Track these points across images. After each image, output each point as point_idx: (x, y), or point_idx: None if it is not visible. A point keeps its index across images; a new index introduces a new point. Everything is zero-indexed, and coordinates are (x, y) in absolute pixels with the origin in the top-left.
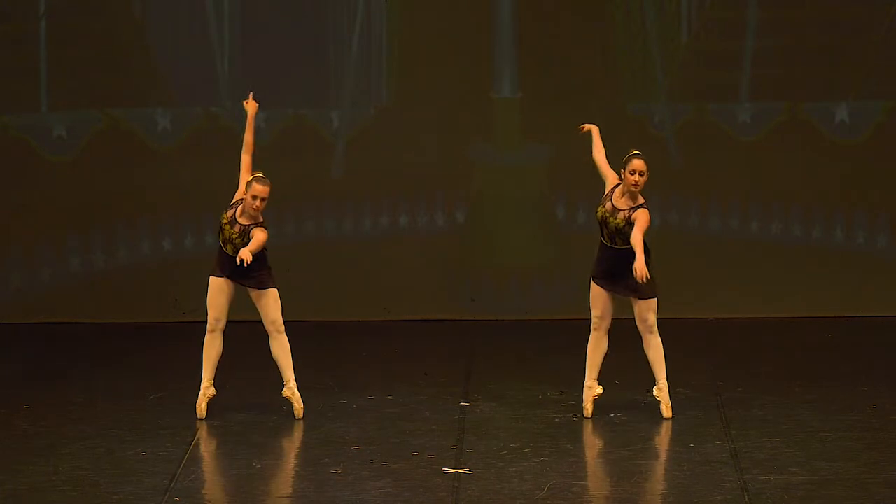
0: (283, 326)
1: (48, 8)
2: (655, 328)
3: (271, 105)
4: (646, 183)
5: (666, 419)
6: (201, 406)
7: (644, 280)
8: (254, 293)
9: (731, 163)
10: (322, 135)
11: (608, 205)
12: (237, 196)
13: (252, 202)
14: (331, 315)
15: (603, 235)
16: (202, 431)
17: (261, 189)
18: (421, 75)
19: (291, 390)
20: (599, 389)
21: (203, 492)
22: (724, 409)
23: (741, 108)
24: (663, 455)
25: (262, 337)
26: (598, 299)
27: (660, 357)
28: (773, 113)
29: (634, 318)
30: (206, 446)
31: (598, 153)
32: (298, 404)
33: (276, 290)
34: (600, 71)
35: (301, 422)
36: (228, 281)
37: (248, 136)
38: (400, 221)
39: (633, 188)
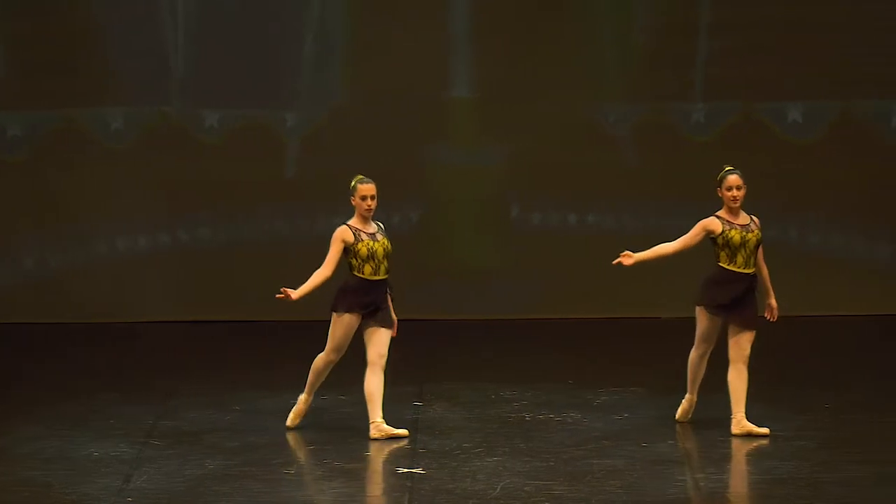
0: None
1: (1, 10)
2: (747, 357)
3: (225, 105)
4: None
5: (679, 421)
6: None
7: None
8: (375, 327)
9: (685, 163)
10: (276, 135)
11: (735, 226)
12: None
13: (363, 203)
14: (283, 315)
15: (734, 262)
16: (155, 432)
17: (368, 188)
18: (376, 75)
19: (378, 428)
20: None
21: (156, 492)
22: (677, 408)
23: (695, 108)
24: (616, 454)
25: (219, 337)
26: (712, 329)
27: (745, 389)
28: (727, 113)
29: (728, 345)
30: (159, 446)
31: (666, 249)
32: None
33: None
34: (556, 71)
35: (253, 422)
36: (360, 316)
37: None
38: None
39: (732, 204)
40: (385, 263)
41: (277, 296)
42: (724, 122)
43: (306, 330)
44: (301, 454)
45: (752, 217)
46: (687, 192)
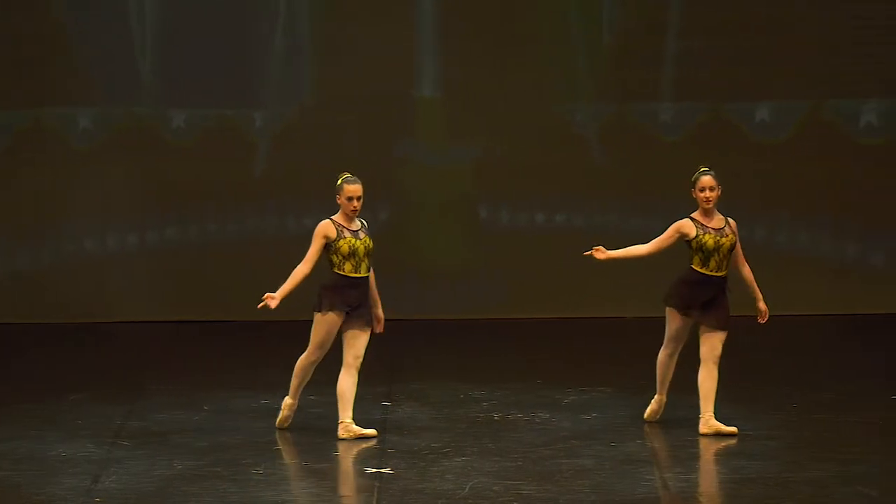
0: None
1: None
2: (718, 358)
3: (193, 105)
4: (716, 198)
5: (648, 421)
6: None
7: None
8: (354, 328)
9: (653, 162)
10: (244, 134)
11: (709, 231)
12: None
13: (348, 204)
14: (254, 315)
15: (707, 266)
16: (123, 432)
17: (355, 188)
18: (344, 74)
19: (347, 429)
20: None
21: (124, 492)
22: (646, 408)
23: (663, 107)
24: (585, 454)
25: (191, 337)
26: (682, 329)
27: (715, 388)
28: (696, 113)
29: (700, 345)
30: (128, 447)
31: (638, 250)
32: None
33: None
34: (524, 71)
35: (223, 422)
36: (342, 314)
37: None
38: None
39: (705, 205)
40: (366, 262)
41: (259, 305)
42: (692, 122)
43: (280, 329)
44: (270, 454)
45: (728, 220)
46: (655, 192)
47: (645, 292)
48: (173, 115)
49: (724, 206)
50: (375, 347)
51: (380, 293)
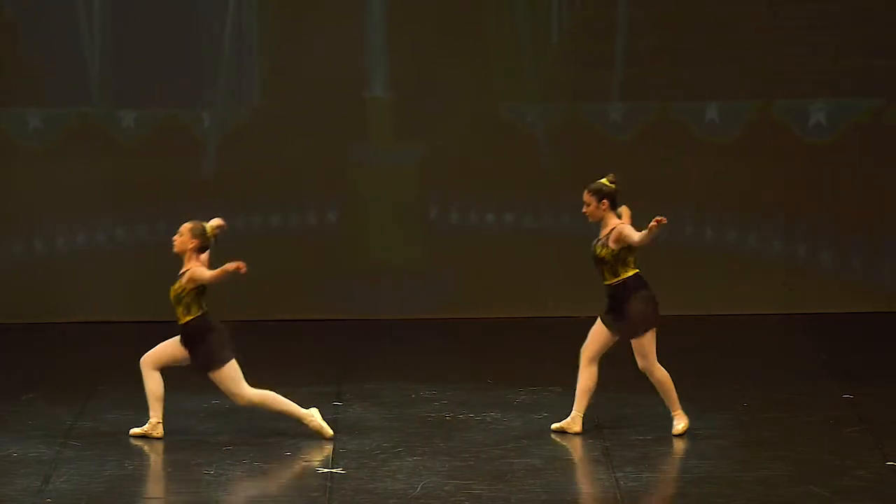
0: (245, 397)
1: None
2: (649, 365)
3: (143, 105)
4: (594, 211)
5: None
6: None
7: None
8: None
9: (603, 162)
10: (193, 135)
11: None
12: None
13: None
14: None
15: None
16: (74, 432)
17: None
18: (294, 75)
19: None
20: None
21: (75, 493)
22: (596, 407)
23: (613, 107)
24: (536, 454)
25: (145, 338)
26: (593, 329)
27: (661, 391)
28: (645, 112)
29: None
30: (78, 447)
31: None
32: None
33: (223, 369)
34: (473, 71)
35: (173, 423)
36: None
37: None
38: (271, 221)
39: (590, 220)
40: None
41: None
42: (642, 122)
43: (232, 330)
44: (220, 455)
45: (613, 229)
46: None
47: (594, 292)
48: (123, 116)
49: (674, 205)
50: (326, 347)
51: (328, 293)
